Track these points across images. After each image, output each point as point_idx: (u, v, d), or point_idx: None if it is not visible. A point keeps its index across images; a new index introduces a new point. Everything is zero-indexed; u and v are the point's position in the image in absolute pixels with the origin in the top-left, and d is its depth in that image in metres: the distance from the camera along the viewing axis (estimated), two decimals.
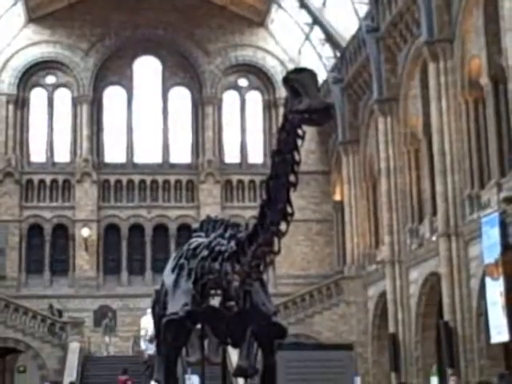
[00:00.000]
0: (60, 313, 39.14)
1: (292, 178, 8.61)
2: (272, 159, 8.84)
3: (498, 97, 26.91)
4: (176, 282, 11.92)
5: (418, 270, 32.06)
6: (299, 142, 8.52)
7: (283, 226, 8.94)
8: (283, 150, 8.60)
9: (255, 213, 9.58)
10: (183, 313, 11.28)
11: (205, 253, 11.26)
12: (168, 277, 12.47)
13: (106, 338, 37.76)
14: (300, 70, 8.61)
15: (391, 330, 33.59)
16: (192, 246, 11.95)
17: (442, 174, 28.65)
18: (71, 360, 35.10)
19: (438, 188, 28.92)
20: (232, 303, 11.16)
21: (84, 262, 42.35)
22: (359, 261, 38.78)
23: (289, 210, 8.79)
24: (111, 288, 42.39)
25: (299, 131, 8.63)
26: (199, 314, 11.38)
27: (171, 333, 11.70)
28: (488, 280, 25.05)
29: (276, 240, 9.18)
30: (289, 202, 8.76)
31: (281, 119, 8.79)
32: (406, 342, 32.61)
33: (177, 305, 11.54)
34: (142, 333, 38.06)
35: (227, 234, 11.04)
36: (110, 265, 43.30)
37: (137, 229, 43.38)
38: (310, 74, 8.43)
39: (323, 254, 43.22)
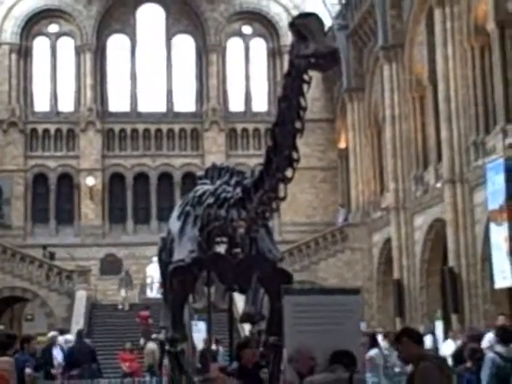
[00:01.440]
0: (52, 256, 39.08)
1: (298, 124, 8.58)
2: (278, 105, 8.81)
3: (505, 43, 26.67)
4: (182, 230, 11.95)
5: (422, 217, 32.13)
6: (305, 87, 8.48)
7: (289, 172, 8.95)
8: (289, 95, 8.55)
9: (260, 161, 9.55)
10: (189, 259, 11.33)
11: (210, 200, 11.27)
12: (174, 224, 12.50)
13: (123, 292, 37.10)
14: (307, 15, 8.55)
15: (396, 276, 33.78)
16: (198, 194, 11.96)
17: (447, 121, 28.56)
18: (78, 308, 35.37)
19: (443, 134, 28.85)
20: (238, 250, 11.21)
21: (89, 210, 42.46)
22: (364, 208, 38.86)
23: (295, 156, 8.78)
24: (117, 237, 42.57)
25: (305, 76, 8.58)
26: (205, 261, 11.43)
27: (178, 279, 11.77)
28: (492, 226, 25.09)
29: (282, 186, 9.19)
30: (295, 147, 8.74)
31: (285, 67, 8.75)
32: (410, 288, 32.81)
33: (183, 252, 11.59)
34: (148, 281, 38.48)
35: (233, 181, 11.04)
36: (116, 214, 43.43)
37: (142, 178, 43.43)
38: (317, 18, 8.38)
39: (328, 201, 43.26)
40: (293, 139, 8.69)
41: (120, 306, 36.51)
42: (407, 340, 6.70)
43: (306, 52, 8.19)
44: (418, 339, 6.86)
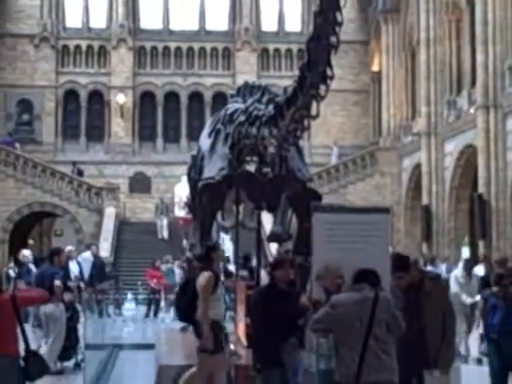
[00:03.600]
0: (80, 173, 39.29)
1: (333, 39, 8.42)
2: (314, 20, 8.64)
3: None
4: (212, 147, 11.92)
5: (454, 143, 31.87)
6: (342, 1, 8.29)
7: (322, 89, 8.82)
8: (325, 9, 8.38)
9: (291, 83, 9.41)
10: (219, 177, 11.33)
11: (242, 118, 11.19)
12: (204, 142, 12.47)
13: (158, 221, 36.87)
14: None
15: (425, 201, 33.69)
16: (229, 112, 11.88)
17: (484, 44, 28.06)
18: (107, 224, 35.77)
19: (479, 58, 28.40)
20: (268, 169, 11.17)
21: (119, 128, 42.50)
22: (395, 132, 38.59)
23: (329, 72, 8.64)
24: (146, 155, 42.65)
25: None
26: (235, 179, 11.43)
27: (207, 196, 11.80)
28: None
29: (314, 104, 9.08)
30: (329, 64, 8.60)
31: None
32: (438, 214, 32.73)
33: (213, 169, 11.58)
34: (176, 200, 38.64)
35: (265, 99, 10.93)
36: (146, 132, 43.44)
37: (172, 96, 43.26)
38: None
39: (359, 124, 42.97)
40: (327, 55, 8.54)
41: (160, 236, 36.27)
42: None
43: None
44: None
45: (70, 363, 13.80)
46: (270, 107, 10.31)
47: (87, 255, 25.31)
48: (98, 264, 24.50)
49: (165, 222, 36.46)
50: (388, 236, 7.69)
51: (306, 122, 9.51)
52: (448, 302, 8.06)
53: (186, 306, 9.53)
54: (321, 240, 7.28)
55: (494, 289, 11.44)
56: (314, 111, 9.20)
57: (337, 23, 8.35)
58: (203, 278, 8.92)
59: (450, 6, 32.95)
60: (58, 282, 12.75)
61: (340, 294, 6.97)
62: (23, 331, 7.25)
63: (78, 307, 14.53)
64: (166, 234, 36.13)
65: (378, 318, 6.59)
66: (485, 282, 15.22)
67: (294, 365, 7.91)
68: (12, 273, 23.74)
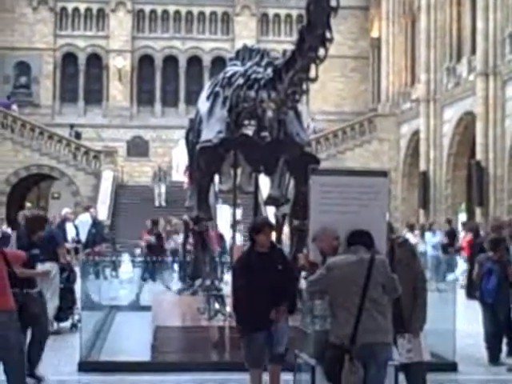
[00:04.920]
0: (78, 135, 39.21)
1: (333, 1, 8.40)
2: None
3: None
4: (211, 110, 11.90)
5: (452, 109, 31.82)
6: None
7: (321, 52, 8.80)
8: None
9: (291, 48, 9.38)
10: (217, 140, 11.30)
11: (240, 81, 11.16)
12: (203, 105, 12.44)
13: (156, 188, 36.33)
14: None
15: (422, 168, 33.71)
16: (228, 75, 11.85)
17: (484, 11, 27.96)
18: (104, 188, 35.76)
19: (479, 25, 28.29)
20: (266, 133, 11.15)
21: (118, 92, 42.39)
22: (394, 98, 38.50)
23: (328, 35, 8.62)
24: (145, 119, 42.60)
25: None
26: (233, 142, 11.40)
27: (205, 159, 11.79)
28: None
29: (313, 67, 9.06)
30: (328, 26, 8.58)
31: None
32: (436, 181, 32.77)
33: (211, 132, 11.56)
34: (174, 164, 38.56)
35: (264, 62, 10.90)
36: (144, 96, 43.36)
37: (171, 60, 43.11)
38: None
39: (358, 90, 42.88)
40: (327, 17, 8.51)
41: (157, 203, 35.79)
42: None
43: None
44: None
45: (66, 324, 13.85)
46: (269, 70, 10.29)
47: (85, 218, 25.33)
48: (96, 226, 24.54)
49: (163, 189, 36.08)
50: (385, 199, 7.70)
51: (304, 86, 9.50)
52: (418, 266, 8.10)
53: None
54: (318, 202, 7.28)
55: (490, 254, 11.51)
56: (312, 74, 9.19)
57: None
58: None
59: None
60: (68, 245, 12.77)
61: (336, 255, 6.99)
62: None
63: (75, 268, 14.53)
64: (163, 201, 35.84)
65: (374, 279, 6.63)
66: (478, 248, 15.34)
67: (276, 331, 7.91)
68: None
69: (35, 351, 9.30)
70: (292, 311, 8.01)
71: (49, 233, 13.43)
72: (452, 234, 25.56)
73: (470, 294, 17.64)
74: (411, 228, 26.14)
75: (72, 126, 39.27)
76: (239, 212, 26.72)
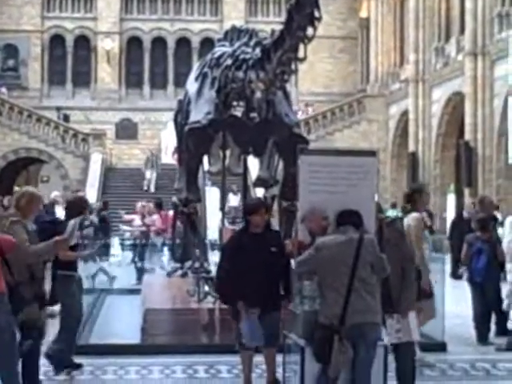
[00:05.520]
0: (66, 118, 39.04)
1: None
2: None
3: None
4: (199, 91, 11.84)
5: (441, 90, 31.80)
6: None
7: (310, 31, 8.76)
8: None
9: (280, 28, 9.32)
10: (206, 121, 11.26)
11: (229, 61, 11.12)
12: (191, 86, 12.39)
13: (148, 174, 35.83)
14: None
15: (411, 148, 33.72)
16: (216, 55, 11.80)
17: None
18: (93, 170, 35.67)
19: (468, 5, 28.24)
20: (254, 114, 11.12)
21: (106, 74, 42.22)
22: (383, 79, 38.48)
23: (316, 13, 8.57)
24: (133, 101, 42.45)
25: None
26: (221, 123, 11.36)
27: (193, 141, 11.74)
28: (511, 100, 24.83)
29: (302, 46, 9.01)
30: (317, 5, 8.53)
31: None
32: (425, 161, 32.79)
33: (199, 113, 11.51)
34: (163, 146, 38.46)
35: (252, 42, 10.85)
36: (132, 78, 43.20)
37: (159, 42, 42.94)
38: None
39: (346, 71, 42.80)
40: None
41: (145, 188, 35.44)
42: None
43: None
44: None
45: (56, 307, 13.81)
46: (257, 50, 10.24)
47: None
48: None
49: (154, 175, 35.85)
50: (374, 179, 7.68)
51: (293, 65, 9.45)
52: (406, 246, 8.10)
53: None
54: (307, 182, 7.25)
55: (478, 233, 11.52)
56: (301, 54, 9.14)
57: None
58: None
59: None
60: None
61: (325, 235, 6.98)
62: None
63: None
64: (152, 187, 35.45)
65: (363, 259, 6.62)
66: (467, 227, 15.35)
67: (270, 316, 7.92)
68: None
69: (71, 338, 9.24)
70: (286, 296, 7.97)
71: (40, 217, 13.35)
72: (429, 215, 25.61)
73: (455, 274, 17.70)
74: (393, 207, 26.15)
75: (59, 109, 39.09)
76: (237, 198, 26.73)
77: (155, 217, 20.89)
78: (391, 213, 10.45)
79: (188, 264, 13.10)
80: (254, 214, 7.89)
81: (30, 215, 7.85)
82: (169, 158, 34.80)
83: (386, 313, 7.50)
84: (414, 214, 9.48)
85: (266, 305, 7.80)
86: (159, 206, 24.36)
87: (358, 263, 6.59)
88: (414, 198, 9.66)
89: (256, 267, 7.73)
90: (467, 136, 28.27)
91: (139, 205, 22.52)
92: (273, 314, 7.88)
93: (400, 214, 9.50)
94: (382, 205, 13.51)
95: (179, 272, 13.55)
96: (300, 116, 38.18)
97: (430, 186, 32.35)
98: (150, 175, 35.76)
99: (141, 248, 22.20)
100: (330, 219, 7.06)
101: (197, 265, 12.17)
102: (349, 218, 6.84)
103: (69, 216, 9.28)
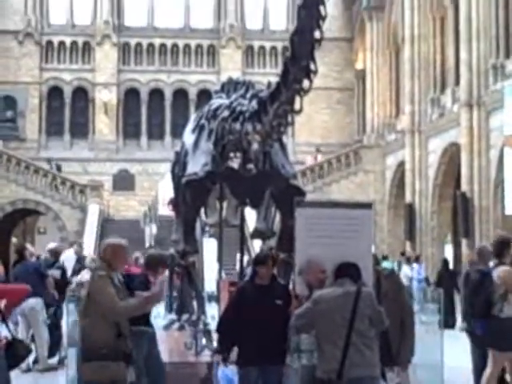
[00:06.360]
0: (58, 168, 39.07)
1: (317, 33, 8.39)
2: (298, 13, 8.59)
3: None
4: (196, 143, 11.87)
5: (437, 140, 31.91)
6: None
7: (306, 83, 8.78)
8: (309, 3, 8.35)
9: (276, 80, 9.37)
10: (203, 173, 11.25)
11: (226, 113, 11.13)
12: (188, 137, 12.41)
13: (147, 229, 35.12)
14: None
15: (408, 199, 33.73)
16: (213, 107, 11.83)
17: (468, 42, 28.11)
18: (91, 222, 35.62)
19: (463, 56, 28.44)
20: (251, 166, 11.11)
21: (104, 125, 42.41)
22: (379, 130, 38.64)
23: (312, 67, 8.61)
24: (131, 152, 42.57)
25: None
26: (219, 175, 11.36)
27: (190, 192, 11.73)
28: (507, 150, 24.91)
29: (298, 98, 9.04)
30: (313, 58, 8.56)
31: None
32: (422, 212, 32.77)
33: (196, 165, 11.51)
34: (160, 197, 38.30)
35: (249, 94, 10.88)
36: (130, 129, 43.39)
37: (157, 93, 43.21)
38: None
39: (343, 122, 43.04)
40: (311, 49, 8.50)
41: (147, 244, 34.89)
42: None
43: None
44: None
45: (54, 360, 13.73)
46: (254, 102, 10.26)
47: (70, 253, 25.10)
48: (81, 262, 24.29)
49: (154, 229, 35.56)
50: (371, 231, 7.68)
51: (289, 118, 9.47)
52: (404, 299, 8.05)
53: None
54: (303, 235, 7.25)
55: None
56: (297, 106, 9.17)
57: (321, 17, 8.32)
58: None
59: (435, 4, 32.99)
60: (55, 272, 12.63)
61: (323, 289, 6.94)
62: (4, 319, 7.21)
63: (62, 304, 14.39)
64: (153, 242, 35.04)
65: (361, 312, 6.58)
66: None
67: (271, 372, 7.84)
68: None
69: None
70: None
71: (35, 265, 13.30)
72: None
73: (447, 324, 17.57)
74: (408, 260, 26.16)
75: (49, 160, 39.07)
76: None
77: None
78: (387, 264, 10.40)
79: (185, 317, 13.00)
80: (261, 265, 7.89)
81: (117, 267, 7.39)
82: (166, 209, 34.57)
83: (386, 366, 7.43)
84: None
85: (267, 359, 7.72)
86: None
87: (355, 316, 6.55)
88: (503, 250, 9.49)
89: (259, 319, 7.68)
90: (464, 187, 28.29)
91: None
92: (274, 369, 7.80)
93: (395, 266, 9.48)
94: (379, 256, 13.47)
95: (176, 325, 13.44)
96: (309, 162, 38.52)
97: (426, 237, 32.36)
98: (150, 230, 35.47)
99: None
100: (328, 272, 7.03)
101: (194, 317, 12.08)
102: (346, 271, 6.81)
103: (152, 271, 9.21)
